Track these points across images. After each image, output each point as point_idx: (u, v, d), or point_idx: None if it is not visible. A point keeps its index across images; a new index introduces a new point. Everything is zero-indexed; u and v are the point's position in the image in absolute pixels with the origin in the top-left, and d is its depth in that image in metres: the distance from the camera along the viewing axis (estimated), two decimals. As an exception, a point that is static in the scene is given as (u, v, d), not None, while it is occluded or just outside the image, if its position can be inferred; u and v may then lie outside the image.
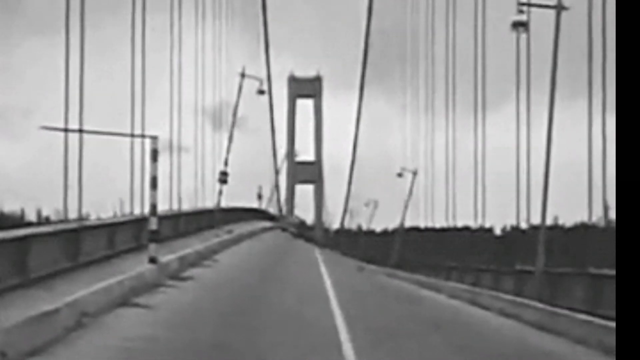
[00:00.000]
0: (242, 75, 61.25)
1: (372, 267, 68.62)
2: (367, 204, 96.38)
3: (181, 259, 31.72)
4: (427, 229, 57.09)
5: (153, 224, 27.22)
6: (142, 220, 29.93)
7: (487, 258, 38.32)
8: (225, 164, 60.08)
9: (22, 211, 31.52)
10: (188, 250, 34.33)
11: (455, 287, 35.17)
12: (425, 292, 35.55)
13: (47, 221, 31.16)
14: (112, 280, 21.25)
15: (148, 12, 34.68)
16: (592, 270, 23.13)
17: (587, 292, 23.21)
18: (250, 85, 66.44)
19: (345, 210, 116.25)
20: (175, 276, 28.51)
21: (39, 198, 31.24)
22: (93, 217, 35.86)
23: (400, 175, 75.13)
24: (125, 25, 34.05)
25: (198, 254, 36.28)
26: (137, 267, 25.15)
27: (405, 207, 73.40)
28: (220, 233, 48.91)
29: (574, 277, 24.85)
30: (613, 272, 20.18)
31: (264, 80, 65.47)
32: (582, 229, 30.03)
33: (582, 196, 26.55)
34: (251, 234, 65.35)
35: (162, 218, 29.38)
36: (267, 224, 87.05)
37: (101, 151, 29.96)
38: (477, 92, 41.83)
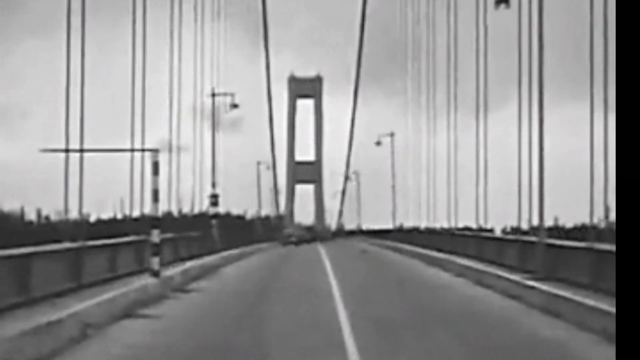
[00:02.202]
0: (213, 95, 57.30)
1: (376, 242, 68.84)
2: (348, 178, 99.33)
3: (184, 272, 31.68)
4: (427, 230, 57.25)
5: (155, 237, 26.98)
6: (144, 242, 29.50)
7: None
8: (213, 186, 58.79)
9: (22, 210, 31.29)
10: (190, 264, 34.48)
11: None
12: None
13: (47, 219, 30.91)
14: (116, 292, 21.25)
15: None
16: (596, 245, 23.18)
17: (590, 265, 23.24)
18: (246, 83, 65.57)
19: (341, 207, 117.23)
20: (179, 289, 28.41)
21: (39, 197, 31.07)
22: (93, 217, 35.65)
23: (378, 143, 75.98)
24: (126, 24, 33.79)
25: (202, 268, 36.51)
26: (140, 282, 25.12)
27: (393, 187, 73.46)
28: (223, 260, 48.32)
29: (577, 250, 24.91)
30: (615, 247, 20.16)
31: (235, 94, 61.73)
32: (583, 230, 29.94)
33: (583, 197, 26.45)
34: (257, 250, 65.41)
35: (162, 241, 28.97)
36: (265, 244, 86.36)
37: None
38: (478, 91, 41.75)
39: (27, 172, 35.52)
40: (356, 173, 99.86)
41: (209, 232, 53.73)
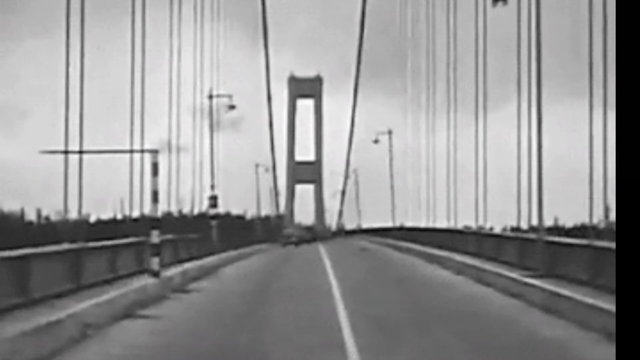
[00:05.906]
0: (210, 96, 57.22)
1: (376, 239, 68.81)
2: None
3: (184, 273, 31.62)
4: (427, 229, 57.32)
5: (155, 238, 26.93)
6: (144, 243, 29.36)
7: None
8: (212, 187, 58.90)
9: (22, 211, 31.25)
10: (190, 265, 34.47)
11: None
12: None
13: (47, 220, 30.84)
14: (115, 293, 21.22)
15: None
16: (595, 242, 23.26)
17: (589, 261, 23.30)
18: (246, 83, 65.36)
19: (341, 207, 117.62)
20: (179, 289, 28.34)
21: (39, 198, 31.05)
22: (93, 217, 35.54)
23: (376, 141, 76.11)
24: (125, 24, 33.72)
25: (201, 268, 36.45)
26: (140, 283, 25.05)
27: (392, 187, 73.53)
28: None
29: (576, 247, 24.98)
30: (614, 245, 20.27)
31: (234, 95, 61.77)
32: (583, 230, 29.97)
33: (583, 197, 26.41)
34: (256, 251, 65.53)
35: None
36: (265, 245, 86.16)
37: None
38: (477, 90, 41.73)
39: (26, 173, 35.47)
40: (355, 172, 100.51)
41: (208, 234, 53.65)
